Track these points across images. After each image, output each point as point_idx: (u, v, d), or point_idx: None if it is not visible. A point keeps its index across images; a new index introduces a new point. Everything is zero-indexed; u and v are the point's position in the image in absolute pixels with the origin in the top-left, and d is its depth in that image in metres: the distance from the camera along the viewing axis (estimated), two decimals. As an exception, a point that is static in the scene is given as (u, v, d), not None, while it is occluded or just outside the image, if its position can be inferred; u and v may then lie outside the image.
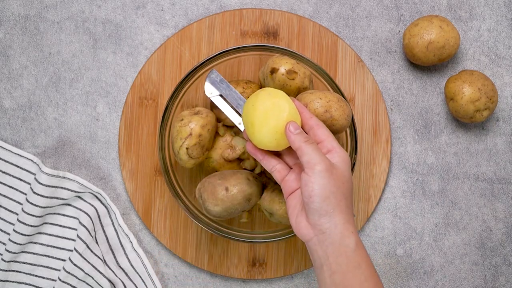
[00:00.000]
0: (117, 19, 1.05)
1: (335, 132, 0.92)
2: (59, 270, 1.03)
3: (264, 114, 0.84)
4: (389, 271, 1.05)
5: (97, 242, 1.02)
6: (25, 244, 1.02)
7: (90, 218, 1.02)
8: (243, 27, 1.04)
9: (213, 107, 0.98)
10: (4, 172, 1.03)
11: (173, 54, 1.04)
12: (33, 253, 1.03)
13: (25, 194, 1.02)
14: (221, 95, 0.95)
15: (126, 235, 1.03)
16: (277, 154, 0.88)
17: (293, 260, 1.04)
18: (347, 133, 0.96)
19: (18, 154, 1.03)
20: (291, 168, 0.87)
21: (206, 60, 0.94)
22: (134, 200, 1.04)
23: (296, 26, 1.04)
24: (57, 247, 1.03)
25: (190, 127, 0.92)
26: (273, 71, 0.92)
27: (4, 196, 1.03)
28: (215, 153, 0.97)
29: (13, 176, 1.03)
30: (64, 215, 1.03)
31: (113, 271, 1.02)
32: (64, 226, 1.03)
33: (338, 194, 0.79)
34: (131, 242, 1.03)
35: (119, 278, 1.02)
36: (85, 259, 1.01)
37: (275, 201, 0.93)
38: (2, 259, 1.02)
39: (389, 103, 1.05)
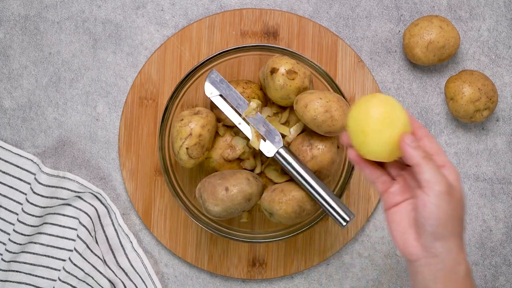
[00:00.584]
0: (117, 19, 1.05)
1: (335, 132, 0.92)
2: (59, 270, 1.03)
3: (379, 122, 0.76)
4: (389, 271, 1.05)
5: (97, 242, 1.02)
6: (25, 244, 1.02)
7: (90, 218, 1.02)
8: (243, 27, 1.04)
9: (213, 107, 0.98)
10: (4, 172, 1.03)
11: (173, 54, 1.04)
12: (33, 253, 1.03)
13: (25, 194, 1.02)
14: (221, 95, 0.95)
15: (126, 235, 1.03)
16: (379, 163, 0.82)
17: (293, 260, 1.04)
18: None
19: (18, 154, 1.03)
20: (393, 180, 0.81)
21: (206, 60, 0.94)
22: (134, 200, 1.04)
23: (296, 26, 1.04)
24: (57, 247, 1.03)
25: (190, 127, 0.92)
26: (273, 71, 0.92)
27: (4, 196, 1.03)
28: (215, 153, 0.97)
29: (13, 176, 1.03)
30: (64, 215, 1.03)
31: (113, 271, 1.02)
32: (64, 226, 1.03)
33: (455, 219, 0.75)
34: (131, 242, 1.03)
35: (119, 278, 1.02)
36: (85, 259, 1.01)
37: (275, 201, 0.93)
38: (2, 259, 1.02)
39: (389, 103, 1.05)
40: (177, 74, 1.04)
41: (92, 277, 1.01)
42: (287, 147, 0.95)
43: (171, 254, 1.05)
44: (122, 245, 1.03)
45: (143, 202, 1.04)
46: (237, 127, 0.95)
